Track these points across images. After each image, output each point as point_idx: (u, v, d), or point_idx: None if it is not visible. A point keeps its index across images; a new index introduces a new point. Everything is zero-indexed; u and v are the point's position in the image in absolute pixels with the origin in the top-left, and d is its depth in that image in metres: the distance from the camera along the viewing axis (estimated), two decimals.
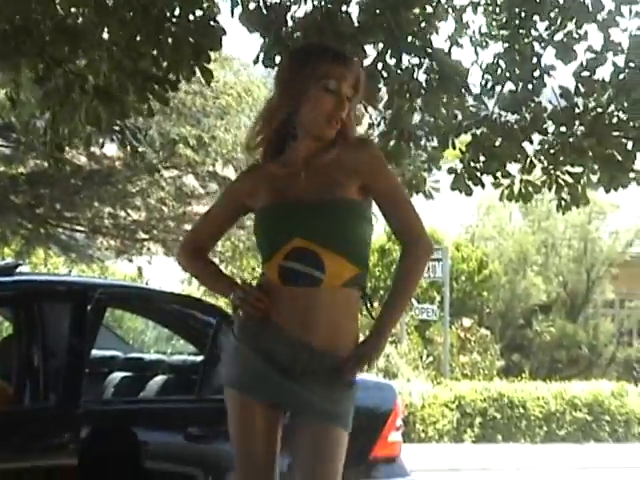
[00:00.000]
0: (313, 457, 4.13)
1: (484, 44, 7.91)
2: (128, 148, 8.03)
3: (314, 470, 4.11)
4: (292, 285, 4.07)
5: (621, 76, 7.67)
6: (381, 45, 7.24)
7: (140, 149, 15.99)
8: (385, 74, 7.35)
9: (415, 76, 7.43)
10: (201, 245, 4.48)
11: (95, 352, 6.60)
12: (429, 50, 7.35)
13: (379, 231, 25.79)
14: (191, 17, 6.75)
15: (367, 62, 7.16)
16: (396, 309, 4.27)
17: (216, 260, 23.69)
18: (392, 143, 7.62)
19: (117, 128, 7.51)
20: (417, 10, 7.15)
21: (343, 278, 4.09)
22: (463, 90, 7.57)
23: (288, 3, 7.08)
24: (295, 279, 4.07)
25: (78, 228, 22.45)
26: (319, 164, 4.18)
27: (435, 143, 7.96)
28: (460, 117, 7.73)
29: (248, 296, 4.12)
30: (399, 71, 7.36)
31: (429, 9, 7.29)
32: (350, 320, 4.15)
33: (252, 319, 4.14)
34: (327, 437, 4.13)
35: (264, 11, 7.01)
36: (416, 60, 7.43)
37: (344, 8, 7.15)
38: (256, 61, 7.16)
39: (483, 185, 8.03)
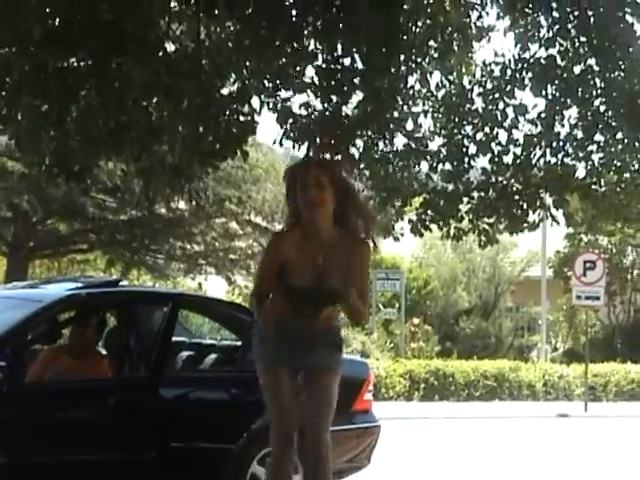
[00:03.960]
0: (320, 395, 4.34)
1: (431, 138, 7.91)
2: (193, 202, 8.05)
3: (320, 403, 4.32)
4: (298, 316, 4.32)
5: (518, 161, 7.70)
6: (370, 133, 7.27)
7: (201, 203, 16.01)
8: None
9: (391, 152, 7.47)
10: (265, 292, 4.44)
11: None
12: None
13: None
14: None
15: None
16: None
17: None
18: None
19: (186, 189, 7.48)
20: (396, 113, 7.16)
21: (329, 312, 4.38)
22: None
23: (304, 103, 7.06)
24: (301, 315, 4.32)
25: (159, 256, 22.45)
26: (328, 251, 4.26)
27: (399, 203, 7.97)
28: (416, 186, 7.73)
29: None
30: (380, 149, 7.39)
31: (396, 113, 7.30)
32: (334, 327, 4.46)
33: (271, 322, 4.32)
34: (329, 381, 4.36)
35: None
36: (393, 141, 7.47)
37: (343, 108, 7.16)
38: (274, 143, 7.23)
39: (431, 230, 8.05)
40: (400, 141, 7.44)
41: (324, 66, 6.75)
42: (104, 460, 5.68)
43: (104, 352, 6.70)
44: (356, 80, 6.73)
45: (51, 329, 6.35)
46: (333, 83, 6.72)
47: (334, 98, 6.80)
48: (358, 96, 6.95)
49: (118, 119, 6.18)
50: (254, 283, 4.61)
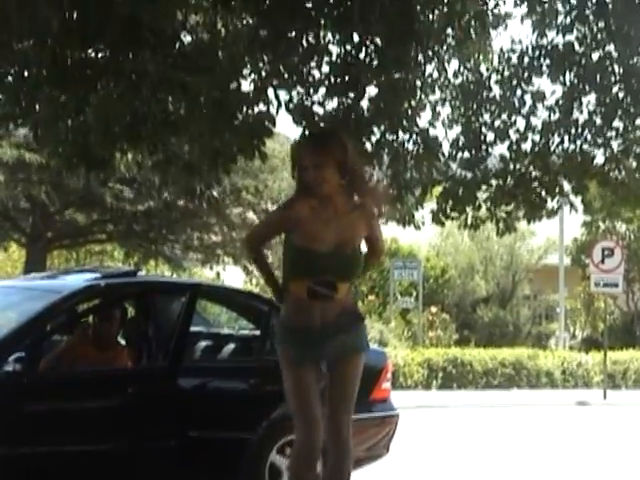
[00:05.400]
0: (343, 382, 4.29)
1: (450, 126, 7.86)
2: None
3: (344, 390, 4.27)
4: (315, 300, 4.22)
5: (536, 148, 7.67)
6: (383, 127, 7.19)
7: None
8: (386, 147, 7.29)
9: (406, 147, 7.37)
10: (260, 240, 4.57)
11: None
12: (416, 130, 7.31)
13: None
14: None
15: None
16: None
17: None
18: (394, 192, 7.58)
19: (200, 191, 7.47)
20: (406, 104, 7.09)
21: (344, 293, 4.30)
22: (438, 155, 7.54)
23: (320, 100, 6.98)
24: (318, 297, 4.21)
25: (177, 246, 22.53)
26: (343, 220, 4.24)
27: (419, 191, 7.91)
28: (435, 174, 7.67)
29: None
30: (395, 144, 7.28)
31: (413, 103, 7.24)
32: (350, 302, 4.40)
33: (292, 317, 4.29)
34: (355, 363, 4.32)
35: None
36: (407, 136, 7.36)
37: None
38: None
39: (452, 219, 7.99)
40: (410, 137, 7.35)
41: (338, 61, 6.69)
42: (124, 449, 5.73)
43: (123, 342, 6.74)
44: (369, 74, 6.65)
45: (70, 320, 6.38)
46: (347, 79, 6.66)
47: (349, 94, 6.74)
48: (372, 91, 6.88)
49: (135, 112, 6.17)
50: (253, 228, 4.65)
